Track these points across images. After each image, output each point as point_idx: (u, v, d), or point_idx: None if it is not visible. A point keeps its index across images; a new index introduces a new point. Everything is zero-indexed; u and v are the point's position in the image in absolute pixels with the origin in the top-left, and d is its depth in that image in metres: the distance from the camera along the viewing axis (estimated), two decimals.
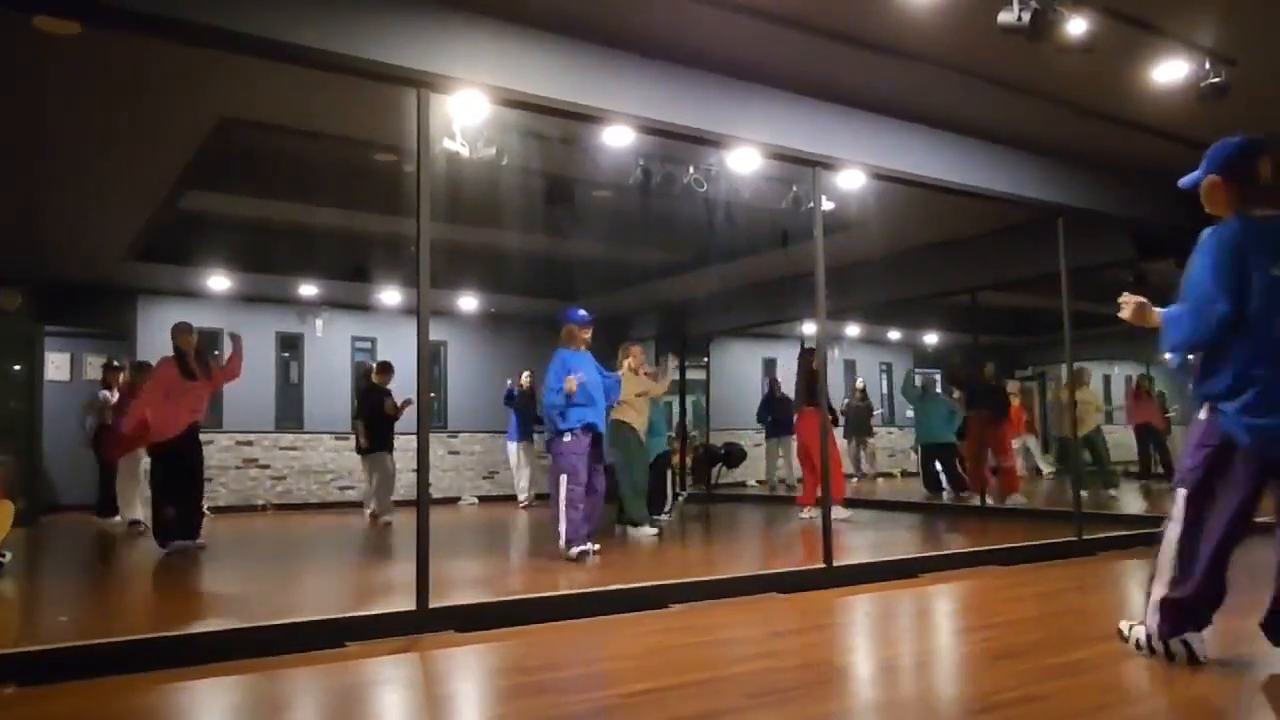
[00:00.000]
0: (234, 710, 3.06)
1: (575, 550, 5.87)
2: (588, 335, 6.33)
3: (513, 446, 11.16)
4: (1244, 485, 3.16)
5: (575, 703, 2.89)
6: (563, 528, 5.93)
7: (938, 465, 10.79)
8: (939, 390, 11.86)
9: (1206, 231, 3.32)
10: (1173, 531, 3.24)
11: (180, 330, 6.94)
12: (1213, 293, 3.14)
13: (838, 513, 8.09)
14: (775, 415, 11.71)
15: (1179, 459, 3.39)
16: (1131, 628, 3.39)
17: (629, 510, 7.39)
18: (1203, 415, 3.24)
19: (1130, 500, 10.02)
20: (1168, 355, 3.49)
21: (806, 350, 8.76)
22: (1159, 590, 3.23)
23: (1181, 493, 3.24)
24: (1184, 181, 3.54)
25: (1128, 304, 3.41)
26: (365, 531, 8.61)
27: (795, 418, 8.85)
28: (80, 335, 11.37)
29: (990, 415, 9.77)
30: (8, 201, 7.38)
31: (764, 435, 12.23)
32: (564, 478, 6.00)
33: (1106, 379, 16.36)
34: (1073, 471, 7.17)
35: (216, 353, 11.17)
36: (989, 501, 9.54)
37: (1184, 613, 3.22)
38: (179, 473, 6.68)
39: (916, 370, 13.01)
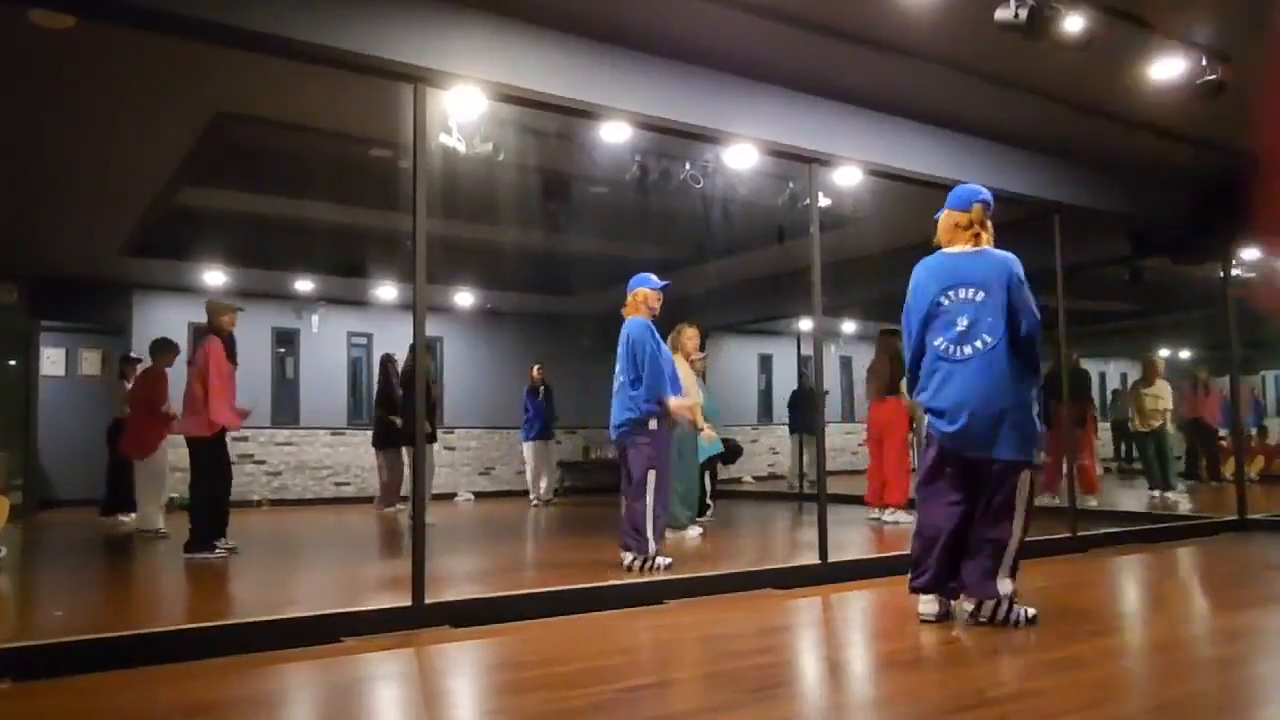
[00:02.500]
0: (230, 705, 3.06)
1: (663, 561, 5.22)
2: (659, 304, 5.67)
3: (529, 447, 10.91)
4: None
5: (573, 698, 2.90)
6: (651, 533, 5.24)
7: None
8: None
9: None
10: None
11: (221, 309, 6.26)
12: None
13: (900, 515, 7.69)
14: (803, 410, 11.51)
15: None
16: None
17: (672, 510, 6.75)
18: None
19: (1125, 498, 10.04)
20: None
21: (888, 332, 8.22)
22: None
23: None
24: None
25: None
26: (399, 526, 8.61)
27: (869, 406, 8.35)
28: (76, 330, 11.35)
29: (1078, 408, 8.98)
30: (3, 196, 7.36)
31: (789, 430, 12.19)
32: (653, 473, 5.27)
33: (1102, 375, 16.40)
34: (1068, 466, 7.17)
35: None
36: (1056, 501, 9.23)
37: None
38: (223, 470, 6.21)
39: None
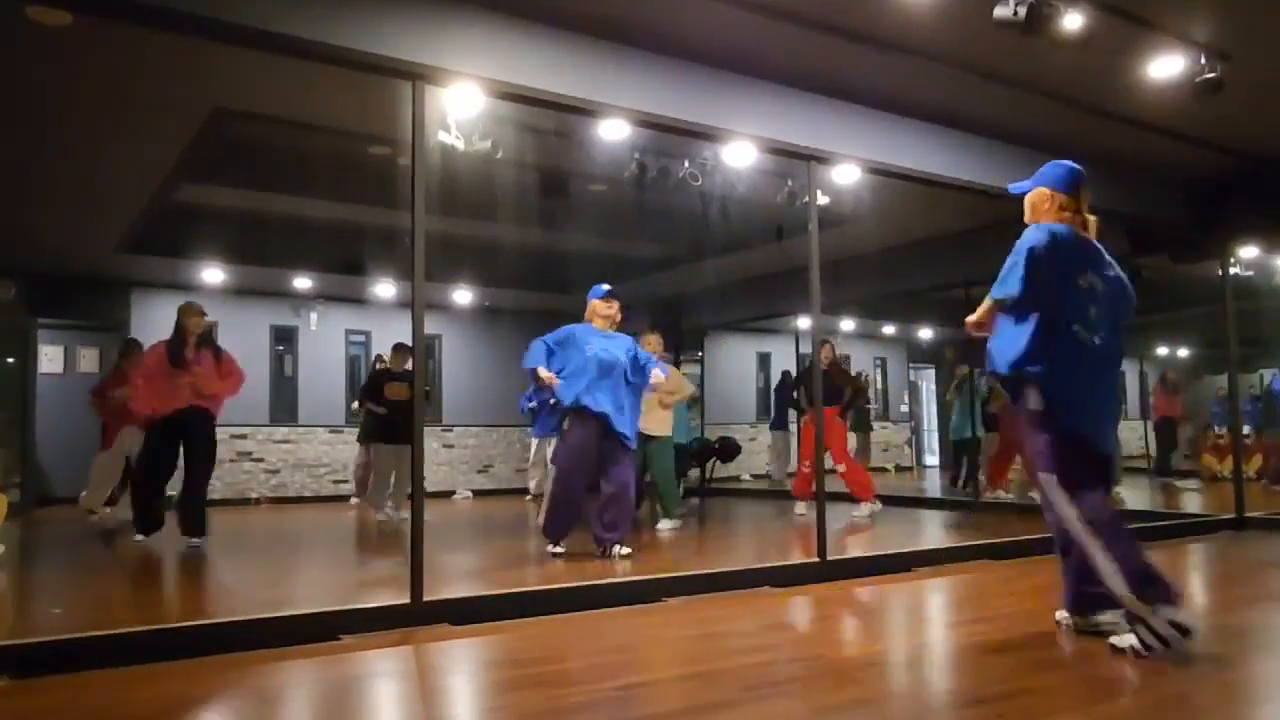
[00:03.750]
0: (228, 703, 3.06)
1: (548, 548, 5.75)
2: (611, 311, 5.89)
3: (535, 443, 11.23)
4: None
5: (571, 695, 2.90)
6: (545, 524, 5.79)
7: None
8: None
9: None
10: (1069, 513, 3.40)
11: (187, 310, 6.58)
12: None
13: (865, 509, 8.00)
14: (780, 409, 11.85)
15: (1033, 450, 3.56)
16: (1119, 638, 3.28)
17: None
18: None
19: (1127, 495, 10.06)
20: None
21: (822, 343, 8.69)
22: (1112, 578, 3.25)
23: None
24: (1013, 188, 3.86)
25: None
26: (377, 526, 8.59)
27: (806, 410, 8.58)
28: (74, 328, 11.34)
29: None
30: (1, 193, 7.35)
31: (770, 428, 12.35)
32: (553, 468, 5.72)
33: None
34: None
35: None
36: (1008, 497, 9.43)
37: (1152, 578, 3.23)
38: (171, 458, 6.53)
39: (914, 365, 13.00)
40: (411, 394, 8.44)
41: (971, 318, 3.67)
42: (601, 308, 5.88)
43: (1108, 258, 3.63)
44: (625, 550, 5.61)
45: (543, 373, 5.63)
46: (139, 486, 6.69)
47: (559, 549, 5.74)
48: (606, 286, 5.96)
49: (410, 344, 8.89)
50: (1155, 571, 3.23)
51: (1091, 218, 3.66)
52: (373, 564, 6.41)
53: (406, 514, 8.43)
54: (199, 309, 6.63)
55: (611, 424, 5.66)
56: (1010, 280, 3.44)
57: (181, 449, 6.57)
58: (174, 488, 6.72)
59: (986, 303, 3.59)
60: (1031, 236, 3.48)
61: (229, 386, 6.74)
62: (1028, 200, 3.74)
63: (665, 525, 7.30)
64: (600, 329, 5.86)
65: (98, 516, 8.08)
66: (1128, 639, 3.21)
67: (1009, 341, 3.51)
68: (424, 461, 4.25)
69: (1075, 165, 3.74)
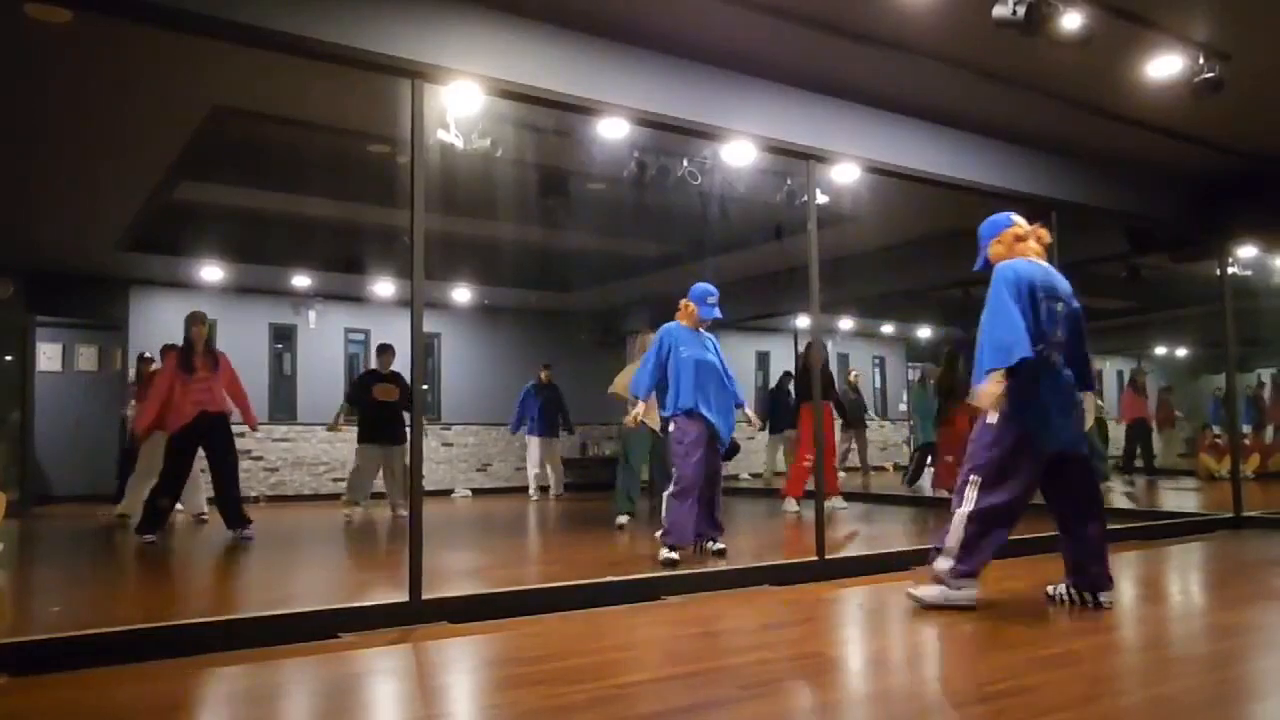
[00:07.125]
0: (227, 700, 3.06)
1: (664, 554, 5.39)
2: (694, 310, 5.89)
3: (533, 441, 11.27)
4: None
5: (570, 693, 2.90)
6: (664, 521, 5.60)
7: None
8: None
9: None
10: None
11: (191, 320, 6.98)
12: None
13: (837, 503, 8.34)
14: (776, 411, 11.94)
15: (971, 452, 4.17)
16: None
17: (626, 502, 7.54)
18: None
19: (1119, 496, 10.09)
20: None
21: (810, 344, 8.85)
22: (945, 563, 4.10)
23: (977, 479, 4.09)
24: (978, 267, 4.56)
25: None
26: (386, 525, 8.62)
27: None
28: (72, 326, 11.34)
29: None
30: None
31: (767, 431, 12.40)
32: (673, 469, 5.60)
33: (1099, 373, 16.48)
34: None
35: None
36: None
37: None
38: (187, 466, 6.80)
39: (912, 364, 13.09)
40: (400, 394, 8.69)
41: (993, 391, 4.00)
42: (688, 305, 5.95)
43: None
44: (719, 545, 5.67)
45: (631, 416, 5.83)
46: (157, 490, 6.84)
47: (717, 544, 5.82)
48: (709, 305, 5.91)
49: (391, 343, 9.03)
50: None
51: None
52: (372, 562, 6.40)
53: (402, 512, 8.60)
54: (202, 317, 6.99)
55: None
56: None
57: (205, 454, 6.88)
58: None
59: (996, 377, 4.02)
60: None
61: (238, 390, 7.06)
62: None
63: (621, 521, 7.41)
64: (691, 330, 5.92)
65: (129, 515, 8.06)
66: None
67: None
68: (422, 459, 4.24)
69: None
